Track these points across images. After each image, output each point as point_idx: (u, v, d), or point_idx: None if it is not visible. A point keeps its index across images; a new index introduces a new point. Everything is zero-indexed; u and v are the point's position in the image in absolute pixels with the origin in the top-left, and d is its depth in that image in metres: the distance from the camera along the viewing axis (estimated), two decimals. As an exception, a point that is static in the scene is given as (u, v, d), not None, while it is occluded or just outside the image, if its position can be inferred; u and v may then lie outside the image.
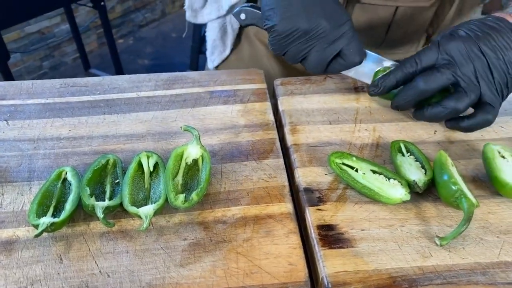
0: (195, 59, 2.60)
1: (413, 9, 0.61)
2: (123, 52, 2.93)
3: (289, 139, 0.50)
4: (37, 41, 2.78)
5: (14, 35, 2.61)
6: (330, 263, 0.36)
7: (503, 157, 0.43)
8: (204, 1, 0.71)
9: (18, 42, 2.65)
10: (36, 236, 0.37)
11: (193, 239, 0.38)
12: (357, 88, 0.59)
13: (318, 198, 0.42)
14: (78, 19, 2.67)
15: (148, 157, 0.45)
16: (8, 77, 1.96)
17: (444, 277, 0.35)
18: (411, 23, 0.63)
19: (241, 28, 0.72)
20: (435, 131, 0.52)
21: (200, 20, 0.73)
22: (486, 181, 0.44)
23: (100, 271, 0.36)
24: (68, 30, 2.85)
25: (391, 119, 0.53)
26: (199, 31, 2.54)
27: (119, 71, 2.47)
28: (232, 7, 0.68)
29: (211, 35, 0.74)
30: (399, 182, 0.42)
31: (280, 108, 0.56)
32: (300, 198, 0.43)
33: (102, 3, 2.24)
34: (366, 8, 0.61)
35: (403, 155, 0.46)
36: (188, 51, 2.60)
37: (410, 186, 0.42)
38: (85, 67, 2.72)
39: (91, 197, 0.40)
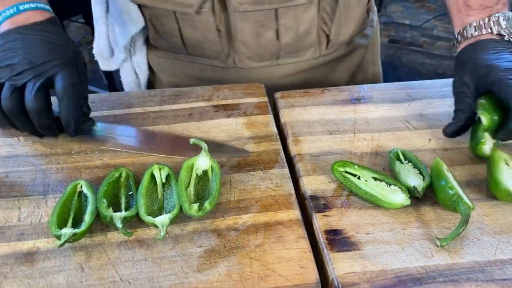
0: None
1: (294, 8, 0.62)
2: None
3: (293, 149, 0.53)
4: (29, 57, 2.77)
5: (6, 51, 2.60)
6: (339, 265, 0.38)
7: (507, 164, 0.45)
8: (111, 49, 0.74)
9: (9, 58, 2.64)
10: (60, 246, 0.39)
11: (208, 246, 0.40)
12: (353, 100, 0.62)
13: (324, 205, 0.45)
14: (70, 35, 2.68)
15: (160, 169, 0.47)
16: (2, 93, 1.96)
17: (445, 275, 0.37)
18: (298, 24, 0.64)
19: (151, 68, 0.75)
20: (430, 139, 0.55)
21: (113, 66, 0.76)
22: (480, 185, 0.47)
23: (121, 278, 0.38)
24: (59, 46, 2.85)
25: (387, 129, 0.56)
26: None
27: (112, 86, 2.48)
28: (128, 48, 0.72)
29: (125, 80, 0.77)
30: (399, 188, 0.44)
31: (282, 120, 0.59)
32: (306, 205, 0.46)
33: (94, 19, 2.25)
34: (245, 16, 0.62)
35: (401, 162, 0.49)
36: (180, 65, 2.63)
37: (410, 191, 0.44)
38: (77, 82, 2.72)
39: (109, 208, 0.42)
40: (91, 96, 0.63)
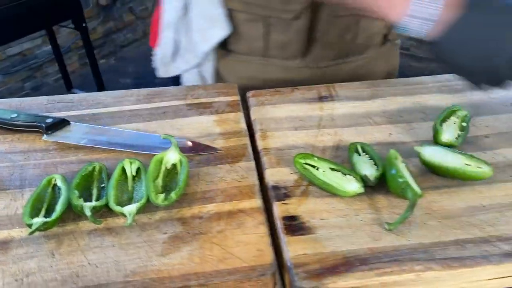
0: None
1: None
2: (105, 72, 2.96)
3: (260, 144, 0.56)
4: (19, 62, 2.80)
5: (-4, 57, 2.63)
6: (292, 248, 0.41)
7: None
8: (173, 55, 0.73)
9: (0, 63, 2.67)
10: (30, 233, 0.41)
11: (172, 233, 0.43)
12: (321, 98, 0.65)
13: (284, 194, 0.47)
14: (60, 40, 2.71)
15: (131, 163, 0.50)
16: (-9, 98, 1.97)
17: (390, 256, 0.40)
18: (372, 26, 0.69)
19: (218, 72, 0.75)
20: (390, 133, 0.58)
21: (175, 72, 0.76)
22: (432, 176, 0.50)
23: (89, 263, 0.40)
24: (49, 51, 2.88)
25: (350, 124, 0.59)
26: (180, 50, 2.59)
27: (101, 90, 2.51)
28: (208, 54, 0.72)
29: (189, 81, 0.77)
30: (354, 177, 0.47)
31: (252, 117, 0.61)
32: (268, 194, 0.48)
33: (84, 25, 2.28)
34: (336, 21, 0.66)
35: (359, 154, 0.52)
36: (170, 70, 2.66)
37: (364, 180, 0.47)
38: (67, 87, 2.75)
39: (80, 198, 0.45)
40: (71, 96, 0.66)
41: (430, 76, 0.70)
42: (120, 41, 3.36)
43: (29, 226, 0.42)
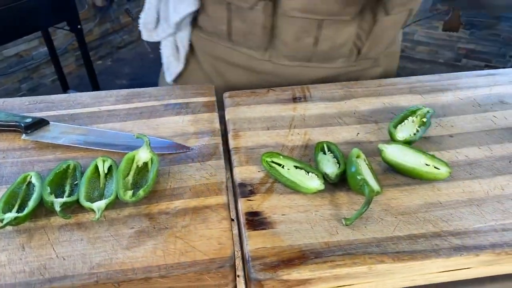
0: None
1: (337, 22, 0.68)
2: (101, 73, 2.99)
3: (231, 143, 0.58)
4: (15, 63, 2.82)
5: (-8, 58, 2.65)
6: (252, 241, 0.43)
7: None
8: (156, 22, 0.79)
9: (-4, 65, 2.68)
10: (1, 227, 0.43)
11: (139, 228, 0.45)
12: (295, 99, 0.67)
13: (249, 191, 0.49)
14: (56, 41, 2.73)
15: (103, 161, 0.52)
16: (-14, 99, 1.99)
17: (345, 249, 0.42)
18: (337, 36, 0.71)
19: (191, 45, 0.80)
20: (358, 133, 0.60)
21: (155, 38, 0.80)
22: (394, 174, 0.52)
23: (57, 255, 0.42)
24: (46, 53, 2.90)
25: (321, 125, 0.61)
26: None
27: (96, 90, 2.53)
28: (178, 25, 0.76)
29: (165, 52, 0.82)
30: (316, 175, 0.49)
31: (226, 117, 0.63)
32: (235, 191, 0.50)
33: (79, 27, 2.30)
34: (292, 20, 0.68)
35: (324, 153, 0.54)
36: (166, 71, 2.69)
37: (325, 177, 0.49)
38: (64, 88, 2.77)
39: (51, 195, 0.46)
40: (52, 97, 0.68)
41: (401, 78, 0.72)
42: (116, 43, 3.39)
43: (1, 221, 0.44)
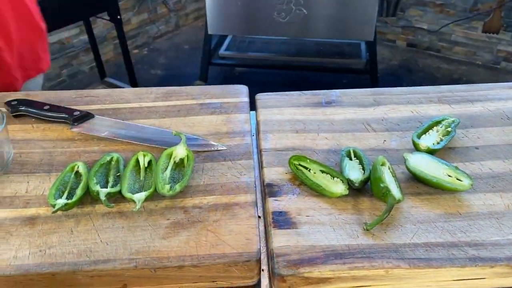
0: (205, 70, 2.74)
1: None
2: (137, 63, 3.07)
3: (261, 144, 0.61)
4: (57, 50, 2.94)
5: (36, 44, 2.76)
6: (277, 239, 0.46)
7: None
8: None
9: (39, 51, 2.79)
10: (54, 212, 0.48)
11: (174, 219, 0.49)
12: (325, 103, 0.69)
13: (276, 191, 0.53)
14: (96, 30, 2.83)
15: (144, 156, 0.56)
16: (30, 84, 2.10)
17: (364, 252, 0.45)
18: None
19: None
20: (384, 140, 0.62)
21: None
22: (417, 183, 0.54)
23: (101, 240, 0.47)
24: (86, 41, 3.01)
25: (348, 130, 0.64)
26: (209, 43, 2.67)
27: (133, 80, 2.61)
28: None
29: None
30: (341, 180, 0.52)
31: (258, 118, 0.67)
32: (263, 190, 0.54)
33: (118, 17, 2.38)
34: None
35: (350, 159, 0.56)
36: (199, 63, 2.74)
37: (350, 183, 0.52)
38: (101, 76, 2.87)
39: (97, 184, 0.51)
40: (96, 91, 0.73)
41: (432, 86, 0.73)
42: (153, 33, 3.47)
43: (53, 206, 0.49)
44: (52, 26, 2.25)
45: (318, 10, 2.36)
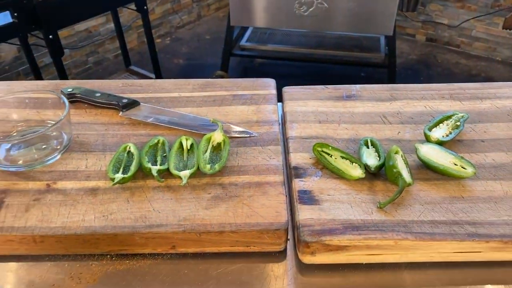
0: (226, 60, 2.81)
1: None
2: (160, 51, 3.16)
3: (288, 133, 0.69)
4: (84, 38, 3.05)
5: (65, 32, 2.89)
6: (302, 213, 0.54)
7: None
8: None
9: (67, 39, 2.93)
10: (113, 185, 0.57)
11: (214, 194, 0.57)
12: (346, 97, 0.77)
13: (302, 173, 0.60)
14: (121, 19, 2.92)
15: (186, 140, 0.65)
16: (61, 70, 2.22)
17: (377, 226, 0.52)
18: None
19: None
20: (399, 132, 0.69)
21: None
22: (426, 170, 0.61)
23: (153, 209, 0.55)
24: (111, 29, 3.11)
25: (366, 122, 0.71)
26: (231, 35, 2.74)
27: (157, 68, 2.71)
28: None
29: None
30: (359, 165, 0.59)
31: (284, 109, 0.74)
32: (290, 172, 0.62)
33: (145, 7, 2.47)
34: None
35: (367, 147, 0.63)
36: (220, 52, 2.82)
37: (366, 168, 0.59)
38: (126, 63, 2.97)
39: (148, 163, 0.60)
40: (140, 81, 0.82)
41: (444, 84, 0.80)
42: (175, 23, 3.55)
43: (112, 179, 0.58)
44: (85, 15, 2.35)
45: (339, 4, 2.40)
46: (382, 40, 2.82)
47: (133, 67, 2.89)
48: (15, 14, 1.94)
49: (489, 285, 0.52)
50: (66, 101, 0.66)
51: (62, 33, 2.78)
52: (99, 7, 2.31)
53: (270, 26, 2.80)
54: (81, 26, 2.92)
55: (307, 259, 0.52)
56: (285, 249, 0.56)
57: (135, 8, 2.51)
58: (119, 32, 2.74)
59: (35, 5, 1.95)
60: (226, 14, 2.68)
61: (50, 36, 2.06)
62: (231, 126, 0.70)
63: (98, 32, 3.07)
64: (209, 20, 3.74)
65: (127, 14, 3.15)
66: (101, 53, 3.15)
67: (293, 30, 2.95)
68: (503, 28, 2.80)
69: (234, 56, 2.83)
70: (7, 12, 1.92)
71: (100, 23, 3.05)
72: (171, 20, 3.54)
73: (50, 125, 0.64)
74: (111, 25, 3.00)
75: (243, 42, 2.86)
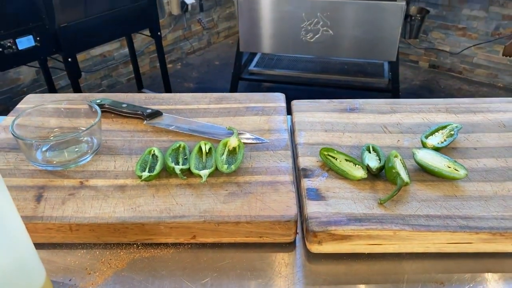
0: (235, 84, 2.92)
1: None
2: (171, 76, 3.28)
3: (297, 140, 0.76)
4: (99, 62, 3.18)
5: (81, 56, 3.02)
6: (310, 207, 0.60)
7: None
8: None
9: (83, 63, 3.05)
10: (142, 181, 0.64)
11: (231, 191, 0.64)
12: (349, 110, 0.84)
13: (309, 174, 0.67)
14: (135, 44, 3.06)
15: (205, 144, 0.72)
16: (78, 91, 2.32)
17: (377, 219, 0.58)
18: None
19: None
20: (398, 140, 0.75)
21: None
22: (422, 173, 0.67)
23: (176, 203, 0.62)
24: (125, 54, 3.24)
25: (368, 131, 0.78)
26: (240, 60, 2.85)
27: (168, 91, 2.81)
28: None
29: None
30: (361, 167, 0.66)
31: (293, 120, 0.81)
32: (299, 173, 0.68)
33: (158, 33, 2.60)
34: None
35: (369, 152, 0.70)
36: (229, 77, 2.92)
37: (368, 169, 0.66)
38: (138, 87, 3.08)
39: (172, 163, 0.67)
40: (161, 95, 0.90)
41: (441, 99, 0.87)
42: (186, 49, 3.69)
43: (139, 177, 0.65)
44: (102, 40, 2.48)
45: (344, 31, 2.51)
46: (386, 66, 2.92)
47: (144, 90, 3.00)
48: (38, 38, 2.06)
49: (480, 273, 0.57)
50: (98, 109, 0.73)
51: (79, 57, 2.92)
52: (116, 32, 2.44)
53: (277, 52, 2.92)
54: (96, 51, 3.06)
55: (315, 248, 0.58)
56: (294, 241, 0.62)
57: (149, 34, 2.64)
58: (133, 56, 2.86)
59: (57, 30, 2.07)
60: (235, 41, 2.80)
61: (69, 59, 2.18)
62: (245, 133, 0.77)
63: (112, 56, 3.20)
64: (219, 47, 3.88)
65: (141, 40, 3.28)
66: (114, 76, 3.27)
67: (300, 56, 3.06)
68: (503, 55, 2.89)
69: (242, 80, 2.94)
70: (30, 36, 2.05)
71: (115, 48, 3.18)
72: (182, 46, 3.68)
73: (82, 130, 0.71)
74: (125, 50, 3.13)
75: (251, 67, 2.97)
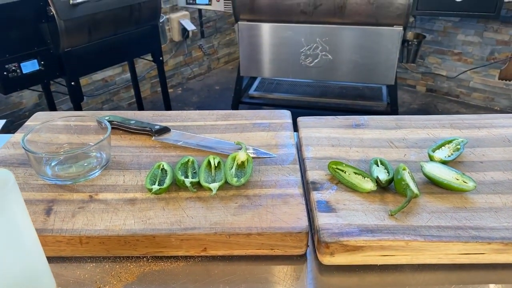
0: (236, 108, 2.94)
1: None
2: (172, 100, 3.31)
3: (304, 154, 0.76)
4: (101, 87, 3.21)
5: (83, 81, 3.05)
6: (321, 219, 0.60)
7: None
8: None
9: (85, 87, 3.08)
10: (152, 194, 0.64)
11: (241, 203, 0.64)
12: (355, 126, 0.85)
13: (319, 187, 0.67)
14: (137, 69, 3.10)
15: (214, 158, 0.72)
16: (80, 115, 2.33)
17: (389, 230, 0.58)
18: None
19: None
20: (405, 154, 0.76)
21: None
22: (431, 185, 0.68)
23: (187, 215, 0.62)
24: (126, 79, 3.28)
25: (375, 146, 0.78)
26: (240, 84, 2.89)
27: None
28: None
29: None
30: (370, 179, 0.66)
31: (300, 135, 0.82)
32: (308, 187, 0.68)
33: (160, 58, 2.64)
34: None
35: (377, 165, 0.70)
36: (228, 102, 2.96)
37: (377, 182, 0.66)
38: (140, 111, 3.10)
39: (182, 176, 0.67)
40: (169, 112, 0.91)
41: (445, 115, 0.88)
42: (187, 74, 3.74)
43: (149, 190, 0.65)
44: (105, 64, 2.51)
45: (343, 56, 2.56)
46: (384, 90, 2.96)
47: (146, 114, 3.01)
48: (42, 62, 2.09)
49: (493, 285, 0.57)
50: (108, 124, 0.74)
51: (81, 81, 2.95)
52: (119, 57, 2.48)
53: (277, 76, 2.96)
54: (98, 75, 3.09)
55: (327, 259, 0.58)
56: (305, 254, 0.62)
57: (151, 59, 2.68)
58: (135, 81, 2.90)
59: (61, 54, 2.10)
60: (235, 66, 2.85)
61: (72, 83, 2.20)
62: (252, 148, 0.77)
63: (114, 81, 3.24)
64: (219, 72, 3.93)
65: (142, 65, 3.33)
66: (115, 101, 3.30)
67: (299, 80, 3.10)
68: (499, 79, 2.94)
69: (243, 104, 2.97)
70: (35, 60, 2.08)
71: (116, 73, 3.22)
72: (183, 71, 3.73)
73: (91, 145, 0.72)
74: (126, 75, 3.17)
75: (251, 91, 3.01)
